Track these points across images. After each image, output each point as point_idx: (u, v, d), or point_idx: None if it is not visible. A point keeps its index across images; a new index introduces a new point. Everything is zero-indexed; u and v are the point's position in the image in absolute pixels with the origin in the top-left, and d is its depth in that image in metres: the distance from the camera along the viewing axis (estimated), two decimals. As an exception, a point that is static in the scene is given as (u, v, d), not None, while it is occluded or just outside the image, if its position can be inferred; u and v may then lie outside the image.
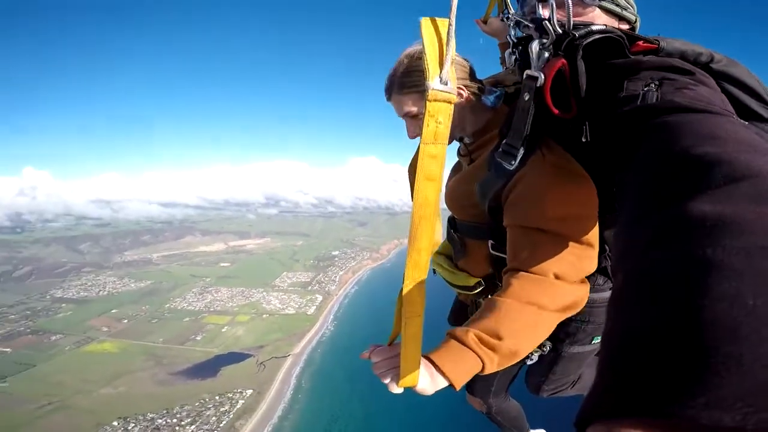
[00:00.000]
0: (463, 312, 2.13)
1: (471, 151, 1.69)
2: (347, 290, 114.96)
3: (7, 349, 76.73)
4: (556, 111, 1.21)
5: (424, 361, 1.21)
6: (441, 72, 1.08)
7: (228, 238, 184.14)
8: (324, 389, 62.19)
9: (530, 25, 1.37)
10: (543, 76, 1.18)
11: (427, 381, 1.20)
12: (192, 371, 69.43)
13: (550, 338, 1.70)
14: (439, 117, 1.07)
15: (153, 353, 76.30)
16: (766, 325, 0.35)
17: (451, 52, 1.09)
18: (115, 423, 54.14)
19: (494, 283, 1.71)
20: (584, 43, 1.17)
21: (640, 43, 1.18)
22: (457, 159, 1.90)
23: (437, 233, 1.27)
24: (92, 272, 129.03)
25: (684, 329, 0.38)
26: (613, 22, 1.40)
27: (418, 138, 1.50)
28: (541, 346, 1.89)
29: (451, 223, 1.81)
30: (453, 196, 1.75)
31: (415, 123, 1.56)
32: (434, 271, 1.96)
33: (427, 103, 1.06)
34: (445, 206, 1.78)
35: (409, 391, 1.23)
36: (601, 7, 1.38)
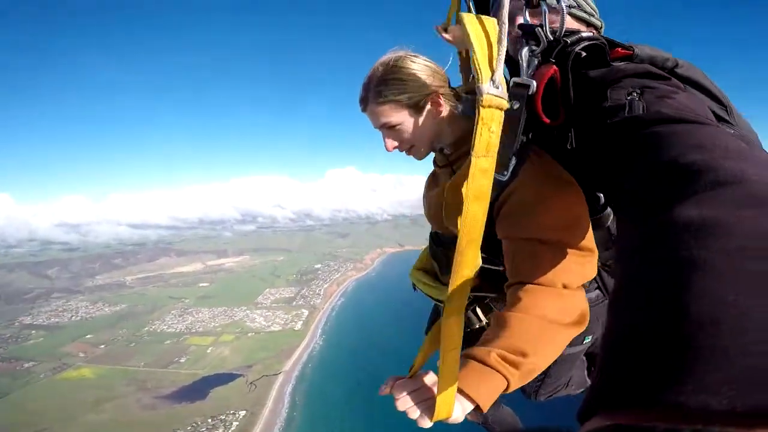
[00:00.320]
0: None
1: (451, 162, 1.61)
2: (333, 302, 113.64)
3: (-22, 378, 72.61)
4: (547, 120, 1.21)
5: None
6: (494, 74, 1.04)
7: (205, 257, 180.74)
8: (320, 405, 60.87)
9: (517, 31, 1.37)
10: (535, 84, 1.15)
11: (459, 411, 1.16)
12: (179, 394, 67.01)
13: None
14: (492, 126, 1.02)
15: (135, 377, 73.52)
16: (745, 317, 0.39)
17: (503, 51, 1.05)
18: None
19: (482, 296, 1.66)
20: (576, 51, 1.19)
21: (619, 49, 1.21)
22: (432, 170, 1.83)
23: (479, 257, 1.21)
24: (62, 297, 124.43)
25: (672, 325, 0.42)
26: (582, 29, 1.43)
27: (396, 150, 1.55)
28: None
29: (435, 238, 1.76)
30: (438, 210, 1.61)
31: (392, 134, 1.52)
32: (414, 287, 1.92)
33: (481, 109, 1.01)
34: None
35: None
36: (571, 14, 1.40)
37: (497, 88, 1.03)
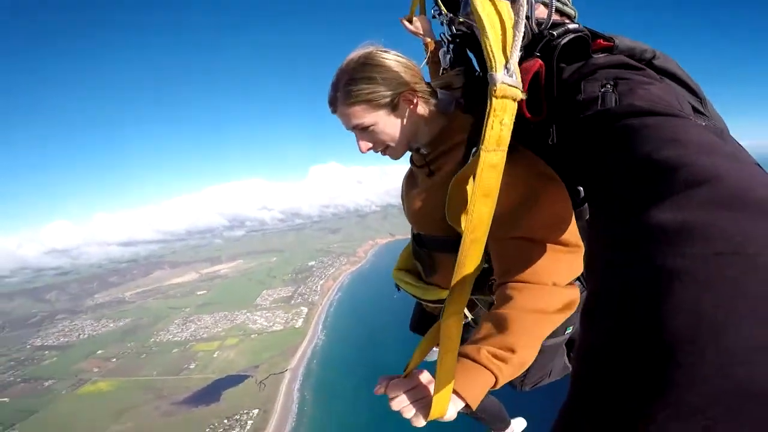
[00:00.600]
0: (427, 321, 2.11)
1: (429, 162, 1.52)
2: (331, 298, 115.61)
3: (5, 399, 75.56)
4: (530, 116, 1.14)
5: None
6: (508, 62, 0.93)
7: (199, 266, 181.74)
8: (328, 398, 62.52)
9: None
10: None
11: (453, 410, 1.16)
12: (194, 399, 69.50)
13: None
14: (505, 117, 0.93)
15: (150, 387, 75.79)
16: (723, 334, 0.36)
17: (520, 36, 0.96)
18: None
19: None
20: (562, 44, 1.12)
21: (600, 41, 1.15)
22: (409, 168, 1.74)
23: (481, 257, 1.13)
24: (66, 318, 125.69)
25: (648, 342, 0.40)
26: (557, 18, 1.32)
27: (371, 151, 1.47)
28: None
29: (417, 239, 1.70)
30: (419, 211, 1.58)
31: (366, 136, 1.42)
32: (398, 287, 1.92)
33: (494, 100, 0.91)
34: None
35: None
36: (543, 4, 1.29)
37: (511, 76, 0.93)
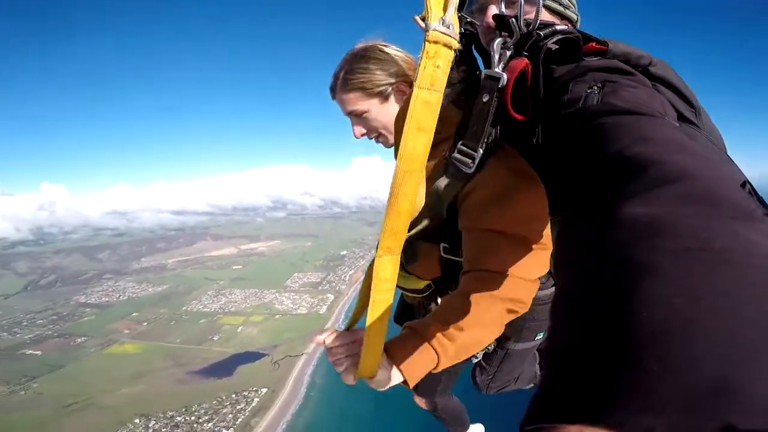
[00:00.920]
0: (408, 313, 2.14)
1: None
2: (357, 289, 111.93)
3: (38, 352, 79.60)
4: (515, 114, 1.16)
5: (384, 354, 1.16)
6: (445, 14, 0.97)
7: (239, 242, 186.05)
8: (337, 387, 60.83)
9: (477, 23, 1.36)
10: (505, 77, 1.12)
11: (385, 374, 1.15)
12: (209, 370, 70.52)
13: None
14: (438, 61, 0.96)
15: (172, 354, 77.90)
16: (691, 329, 0.36)
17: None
18: (137, 420, 55.54)
19: (444, 285, 1.70)
20: (549, 44, 1.13)
21: (593, 44, 1.15)
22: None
23: (420, 196, 1.20)
24: (112, 279, 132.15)
25: (619, 336, 0.39)
26: (556, 21, 1.37)
27: (365, 137, 1.53)
28: None
29: None
30: None
31: (360, 122, 1.52)
32: None
33: (426, 44, 0.95)
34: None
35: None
36: (546, 6, 1.35)
37: (447, 27, 0.96)
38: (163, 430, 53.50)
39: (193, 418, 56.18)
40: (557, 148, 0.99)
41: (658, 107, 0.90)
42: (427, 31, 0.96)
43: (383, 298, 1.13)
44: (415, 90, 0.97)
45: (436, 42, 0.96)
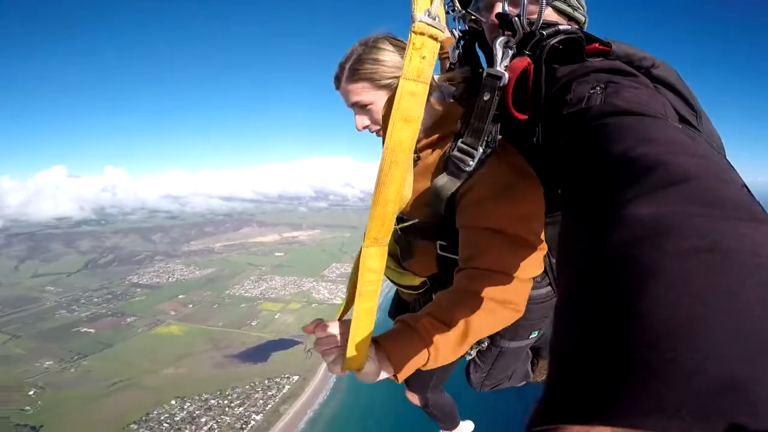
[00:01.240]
0: (403, 310, 2.10)
1: (419, 149, 1.57)
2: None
3: (92, 330, 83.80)
4: (516, 113, 1.15)
5: (373, 346, 1.13)
6: (431, 5, 0.95)
7: (282, 229, 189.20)
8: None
9: (482, 20, 1.35)
10: (507, 76, 1.11)
11: (373, 367, 1.12)
12: (245, 355, 72.13)
13: (489, 335, 1.70)
14: (424, 52, 0.95)
15: (212, 337, 79.75)
16: (700, 330, 0.35)
17: None
18: (173, 402, 57.50)
19: (440, 283, 1.69)
20: (551, 44, 1.12)
21: (596, 45, 1.14)
22: None
23: (408, 185, 1.19)
24: (163, 260, 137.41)
25: (623, 336, 0.38)
26: (563, 22, 1.35)
27: (366, 131, 1.51)
28: (479, 342, 1.96)
29: (398, 223, 1.72)
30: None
31: (364, 114, 1.50)
32: None
33: (412, 35, 0.93)
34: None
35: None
36: (553, 6, 1.34)
37: (434, 19, 0.94)
38: (196, 412, 55.36)
39: (225, 401, 57.62)
40: (558, 148, 0.96)
41: (660, 109, 0.89)
42: (414, 22, 0.94)
43: (370, 289, 1.09)
44: (401, 81, 0.95)
45: (422, 33, 0.94)
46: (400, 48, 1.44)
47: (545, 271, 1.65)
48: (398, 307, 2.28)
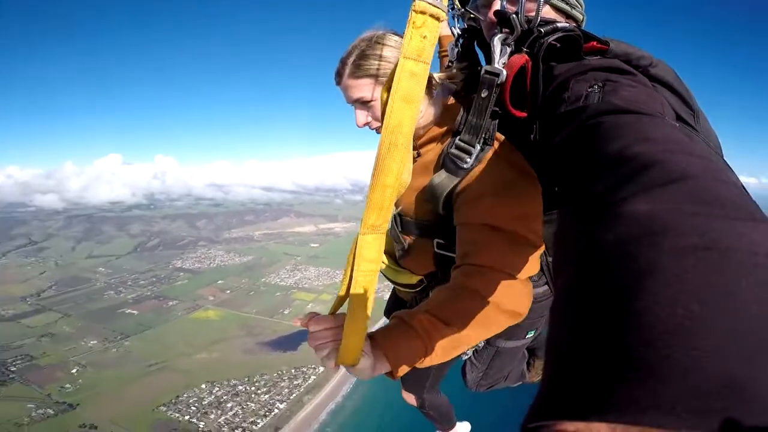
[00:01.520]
0: (401, 308, 2.03)
1: (419, 145, 1.53)
2: None
3: (135, 312, 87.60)
4: (513, 110, 1.14)
5: (368, 341, 1.08)
6: None
7: (318, 221, 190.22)
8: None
9: (481, 18, 1.34)
10: (505, 73, 1.10)
11: (368, 362, 1.07)
12: (276, 343, 72.97)
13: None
14: (425, 31, 0.91)
15: (246, 323, 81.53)
16: (697, 328, 0.35)
17: None
18: (203, 386, 59.17)
19: (437, 281, 1.65)
20: (548, 41, 1.11)
21: (594, 43, 1.13)
22: None
23: (407, 171, 1.16)
24: (205, 246, 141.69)
25: (620, 334, 0.38)
26: (560, 19, 1.34)
27: (366, 127, 1.48)
28: None
29: (395, 220, 1.71)
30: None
31: (365, 110, 1.45)
32: None
33: (413, 14, 0.90)
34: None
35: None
36: (550, 4, 1.32)
37: None
38: (224, 397, 56.88)
39: (252, 388, 58.99)
40: (555, 146, 0.95)
41: (657, 107, 0.89)
42: (414, 0, 0.90)
43: (367, 279, 1.04)
44: (401, 60, 0.91)
45: (423, 12, 0.90)
46: None
47: (542, 270, 1.64)
48: (395, 305, 2.22)
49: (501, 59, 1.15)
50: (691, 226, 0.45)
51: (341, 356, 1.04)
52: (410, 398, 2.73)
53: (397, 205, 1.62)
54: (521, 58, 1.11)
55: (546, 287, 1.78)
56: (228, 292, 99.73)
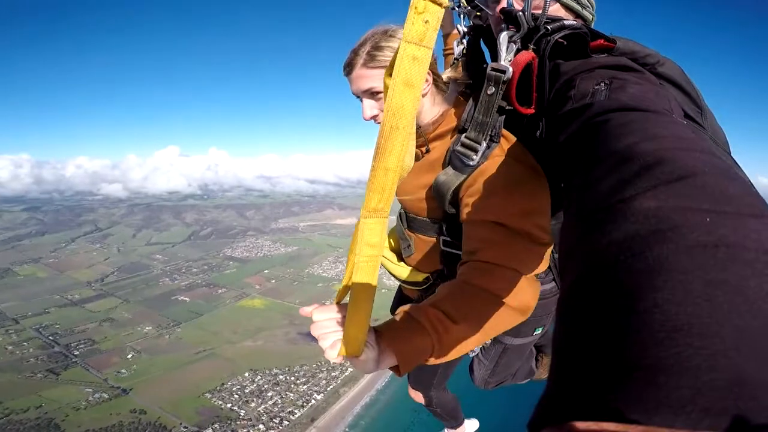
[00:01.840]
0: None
1: (427, 142, 1.51)
2: None
3: (187, 299, 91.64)
4: (519, 107, 1.13)
5: (373, 333, 1.04)
6: None
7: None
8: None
9: (489, 14, 1.32)
10: (511, 70, 1.09)
11: (372, 354, 1.01)
12: None
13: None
14: (427, 16, 0.87)
15: (289, 313, 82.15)
16: (708, 325, 0.34)
17: None
18: (246, 374, 60.95)
19: (443, 279, 1.62)
20: (555, 39, 1.09)
21: (601, 41, 1.11)
22: None
23: (409, 155, 1.14)
24: (254, 236, 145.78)
25: (628, 333, 0.37)
26: (570, 18, 1.32)
27: (371, 121, 1.44)
28: None
29: (401, 218, 1.70)
30: (406, 190, 1.59)
31: (374, 102, 1.42)
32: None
33: None
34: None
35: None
36: (561, 3, 1.30)
37: None
38: (265, 386, 58.79)
39: (292, 378, 60.34)
40: (562, 143, 0.93)
41: (665, 105, 0.87)
42: None
43: (369, 266, 0.99)
44: (402, 44, 0.88)
45: None
46: None
47: (549, 267, 1.62)
48: (400, 303, 2.12)
49: (507, 56, 1.13)
50: (700, 222, 0.44)
51: (345, 347, 0.98)
52: (417, 396, 2.69)
53: (402, 202, 1.63)
54: (527, 55, 1.10)
55: (553, 284, 1.76)
56: (273, 281, 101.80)
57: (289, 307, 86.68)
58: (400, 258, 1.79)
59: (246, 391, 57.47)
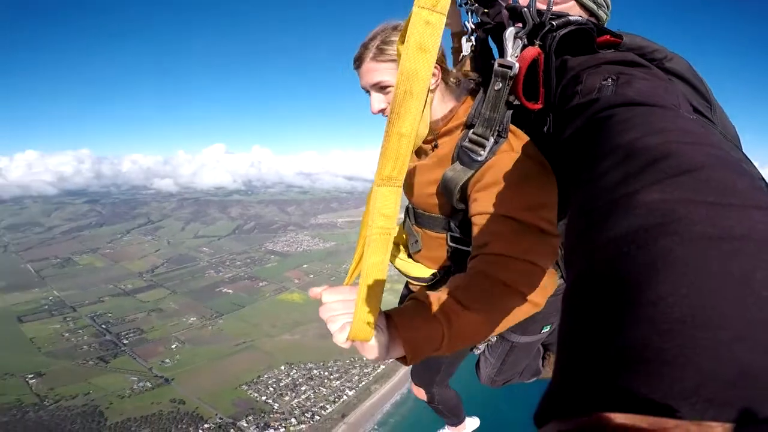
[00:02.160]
0: None
1: (437, 137, 1.49)
2: None
3: (230, 291, 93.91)
4: (526, 102, 1.13)
5: (384, 317, 0.99)
6: None
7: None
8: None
9: (500, 11, 1.29)
10: (517, 65, 1.09)
11: (382, 339, 0.96)
12: None
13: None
14: None
15: None
16: (714, 317, 0.34)
17: None
18: (282, 367, 61.98)
19: (450, 275, 1.59)
20: (561, 34, 1.08)
21: (607, 36, 1.09)
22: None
23: (425, 121, 1.14)
24: (294, 231, 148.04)
25: (635, 325, 0.37)
26: (583, 15, 1.31)
27: (379, 115, 1.42)
28: None
29: (409, 213, 1.69)
30: (414, 185, 1.57)
31: (383, 96, 1.41)
32: None
33: None
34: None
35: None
36: (577, 1, 1.31)
37: None
38: (299, 380, 59.52)
39: (326, 373, 60.78)
40: (568, 138, 0.92)
41: (673, 100, 0.86)
42: None
43: (382, 239, 0.90)
44: (415, 9, 0.83)
45: None
46: None
47: (556, 262, 1.60)
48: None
49: (513, 52, 1.13)
50: (705, 215, 0.43)
51: (353, 330, 0.91)
52: (420, 392, 2.67)
53: (410, 197, 1.63)
54: (533, 51, 1.09)
55: (561, 280, 1.73)
56: (311, 276, 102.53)
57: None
58: (408, 254, 1.79)
59: (281, 384, 58.41)
